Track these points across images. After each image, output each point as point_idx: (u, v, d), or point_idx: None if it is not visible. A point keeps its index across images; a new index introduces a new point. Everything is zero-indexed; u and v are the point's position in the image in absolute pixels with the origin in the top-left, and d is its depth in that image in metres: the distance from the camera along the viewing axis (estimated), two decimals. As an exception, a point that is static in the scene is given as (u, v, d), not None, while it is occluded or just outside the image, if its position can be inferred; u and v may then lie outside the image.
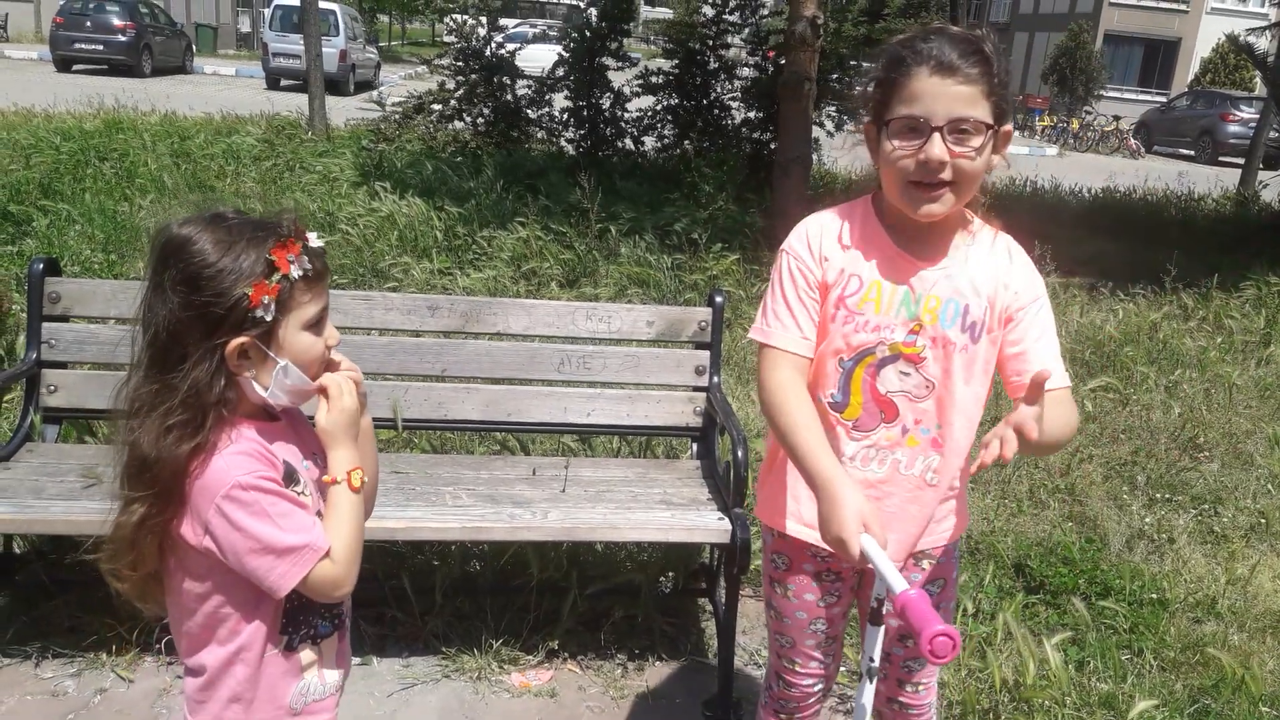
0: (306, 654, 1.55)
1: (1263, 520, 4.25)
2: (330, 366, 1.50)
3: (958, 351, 1.75)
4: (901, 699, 2.05)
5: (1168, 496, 4.39)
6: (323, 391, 1.48)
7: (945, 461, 1.81)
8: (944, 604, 1.98)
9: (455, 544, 3.23)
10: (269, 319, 1.39)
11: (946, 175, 1.63)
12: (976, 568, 3.55)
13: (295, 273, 1.40)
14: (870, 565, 1.56)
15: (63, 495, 2.62)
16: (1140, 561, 3.76)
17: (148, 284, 1.41)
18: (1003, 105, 1.65)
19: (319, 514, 1.49)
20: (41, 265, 3.00)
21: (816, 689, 2.08)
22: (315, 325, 1.46)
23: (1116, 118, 26.03)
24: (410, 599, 3.03)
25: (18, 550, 3.02)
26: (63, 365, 3.03)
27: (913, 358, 1.75)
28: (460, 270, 6.28)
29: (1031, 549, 3.68)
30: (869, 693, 1.60)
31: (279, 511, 1.40)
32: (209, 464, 1.39)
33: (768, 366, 1.80)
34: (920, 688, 2.04)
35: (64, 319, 3.04)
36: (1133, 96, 32.43)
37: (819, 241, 1.80)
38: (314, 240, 1.46)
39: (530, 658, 2.96)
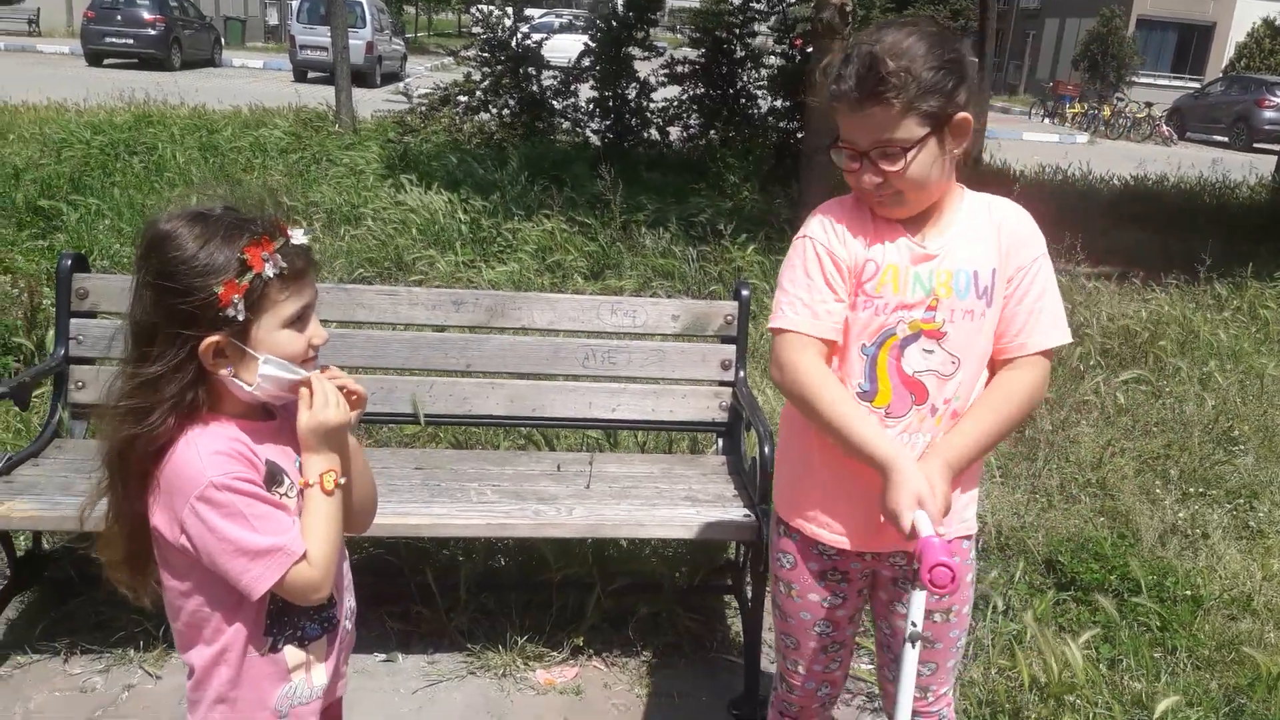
0: (294, 656, 1.53)
1: (1300, 515, 4.17)
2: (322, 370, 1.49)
3: (977, 319, 1.76)
4: (914, 705, 2.01)
5: (1201, 491, 4.31)
6: (307, 386, 1.46)
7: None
8: (955, 606, 1.92)
9: (480, 540, 3.22)
10: (240, 318, 1.37)
11: (886, 190, 1.71)
12: (1007, 564, 3.51)
13: (269, 271, 1.38)
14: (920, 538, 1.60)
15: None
16: (1173, 557, 3.69)
17: (134, 277, 1.41)
18: (932, 108, 1.66)
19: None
20: (70, 261, 3.01)
21: (821, 693, 2.06)
22: (296, 323, 1.44)
23: (1149, 104, 25.61)
24: (435, 595, 3.03)
25: (47, 546, 3.04)
26: (90, 361, 3.05)
27: (933, 333, 1.75)
28: (485, 263, 6.28)
29: (1062, 545, 3.62)
30: (912, 658, 1.64)
31: (255, 513, 1.38)
32: (177, 458, 1.38)
33: (793, 352, 1.77)
34: (929, 694, 1.99)
35: (91, 315, 3.06)
36: (1165, 82, 31.89)
37: (839, 226, 1.81)
38: (298, 236, 1.44)
39: (555, 654, 2.95)
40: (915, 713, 1.97)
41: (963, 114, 1.70)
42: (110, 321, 3.09)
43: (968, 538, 1.92)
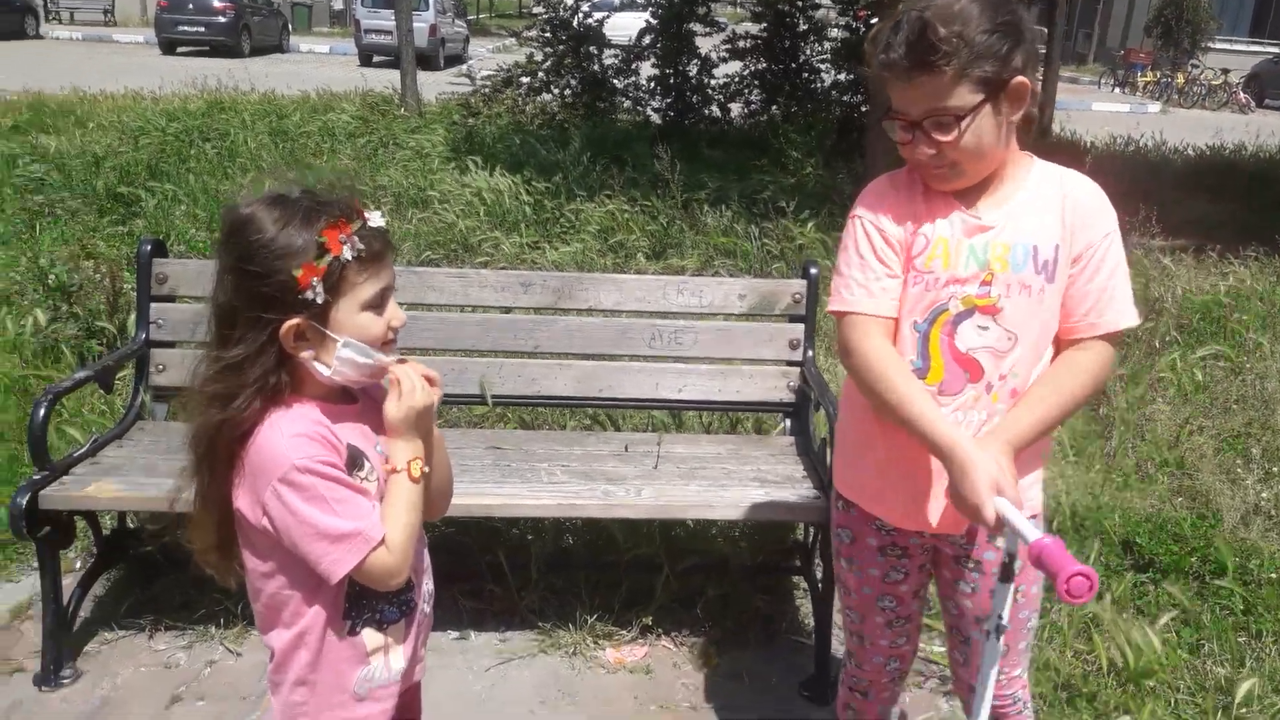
0: (373, 639, 1.54)
1: (1391, 495, 4.02)
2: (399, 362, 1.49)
3: (1035, 294, 1.70)
4: None
5: (1286, 470, 4.18)
6: (388, 372, 1.47)
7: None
8: (1022, 586, 1.86)
9: (549, 520, 3.25)
10: (319, 301, 1.38)
11: (940, 162, 1.67)
12: (1082, 545, 3.44)
13: (348, 254, 1.38)
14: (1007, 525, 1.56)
15: (173, 473, 2.69)
16: (1257, 539, 3.59)
17: (216, 262, 1.43)
18: (987, 73, 1.60)
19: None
20: (149, 246, 3.09)
21: (890, 668, 2.04)
22: (375, 306, 1.44)
23: (1225, 71, 24.71)
24: (506, 574, 3.06)
25: (131, 525, 3.14)
26: (170, 345, 3.13)
27: (988, 309, 1.71)
28: (549, 244, 6.30)
29: (1140, 525, 3.54)
30: (995, 650, 1.62)
31: (335, 497, 1.39)
32: (261, 440, 1.39)
33: (858, 335, 1.75)
34: (1002, 676, 1.94)
35: (171, 299, 3.13)
36: (1243, 48, 30.71)
37: (887, 202, 1.79)
38: (375, 219, 1.44)
39: (624, 633, 2.97)
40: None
41: (1020, 78, 1.64)
42: (189, 306, 3.16)
43: (1033, 517, 1.87)
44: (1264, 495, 3.94)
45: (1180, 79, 24.66)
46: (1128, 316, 1.73)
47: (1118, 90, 26.19)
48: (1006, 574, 1.59)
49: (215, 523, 1.47)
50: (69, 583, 2.83)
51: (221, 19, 22.57)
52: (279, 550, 1.43)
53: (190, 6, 22.39)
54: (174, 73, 14.56)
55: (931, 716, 2.75)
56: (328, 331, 1.41)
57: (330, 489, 1.39)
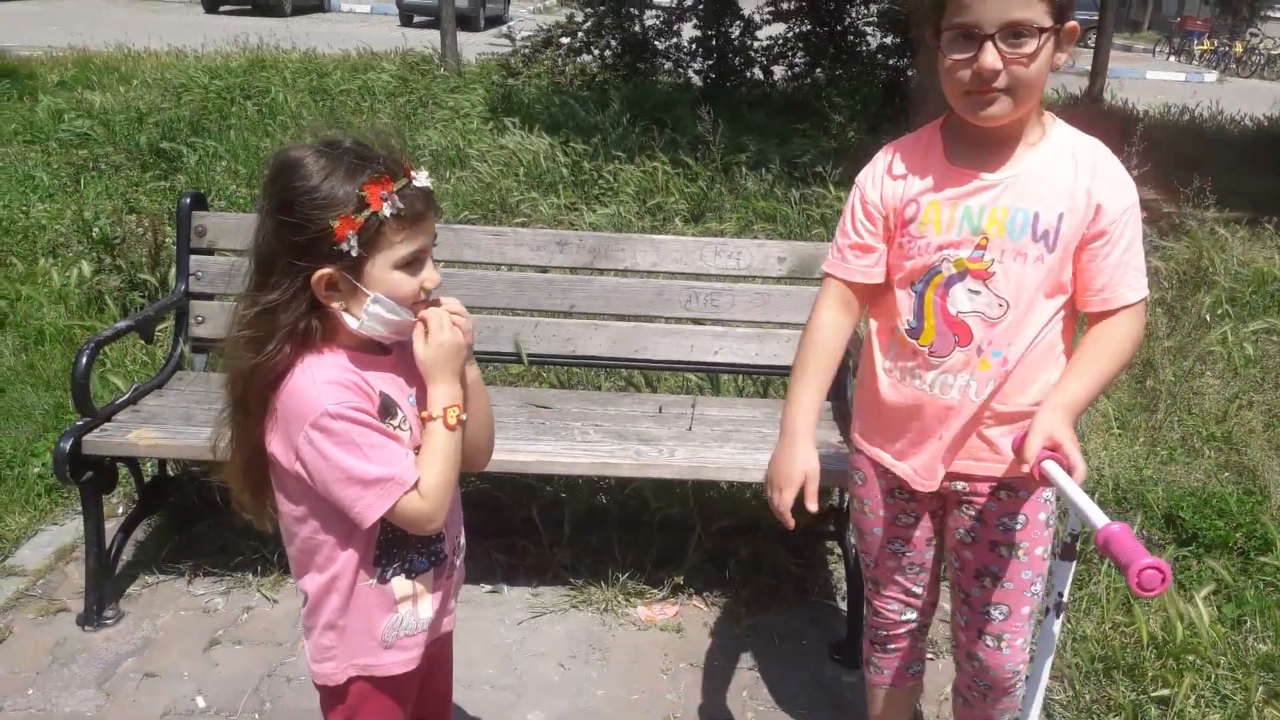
0: (402, 587, 1.54)
1: None
2: (431, 304, 1.47)
3: (1031, 263, 1.67)
4: (980, 654, 1.92)
5: (1338, 447, 4.08)
6: (423, 324, 1.45)
7: (1011, 380, 1.73)
8: (1024, 544, 1.84)
9: (583, 478, 3.25)
10: (354, 254, 1.37)
11: (1002, 83, 1.58)
12: (1124, 517, 3.38)
13: (386, 211, 1.36)
14: (1054, 487, 1.57)
15: (211, 422, 2.72)
16: (1305, 516, 3.52)
17: (259, 204, 1.43)
18: (1063, 9, 1.57)
19: (419, 449, 1.48)
20: (189, 199, 3.10)
21: (906, 618, 2.02)
22: (410, 265, 1.42)
23: (1287, 39, 24.09)
24: (539, 530, 3.07)
25: (171, 473, 3.18)
26: (209, 297, 3.15)
27: (980, 274, 1.69)
28: (586, 205, 6.27)
29: (1184, 500, 3.47)
30: (1056, 625, 1.58)
31: (369, 443, 1.39)
32: (293, 386, 1.39)
33: (820, 297, 1.88)
34: (1003, 643, 1.90)
35: (210, 252, 3.15)
36: (1307, 15, 29.88)
37: (883, 170, 1.80)
38: (420, 179, 1.42)
39: (656, 592, 2.97)
40: (985, 666, 1.93)
41: (1073, 23, 1.61)
42: (228, 258, 3.18)
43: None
44: (1313, 472, 3.86)
45: (1238, 47, 24.05)
46: (1138, 290, 1.70)
47: (1173, 59, 25.57)
48: (1068, 553, 1.55)
49: (249, 467, 1.47)
50: (111, 527, 2.88)
51: (265, -23, 22.64)
52: (312, 495, 1.44)
53: (234, -35, 22.49)
54: (217, 31, 14.60)
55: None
56: (359, 285, 1.40)
57: (363, 434, 1.39)
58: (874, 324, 1.87)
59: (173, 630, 2.74)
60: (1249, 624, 2.91)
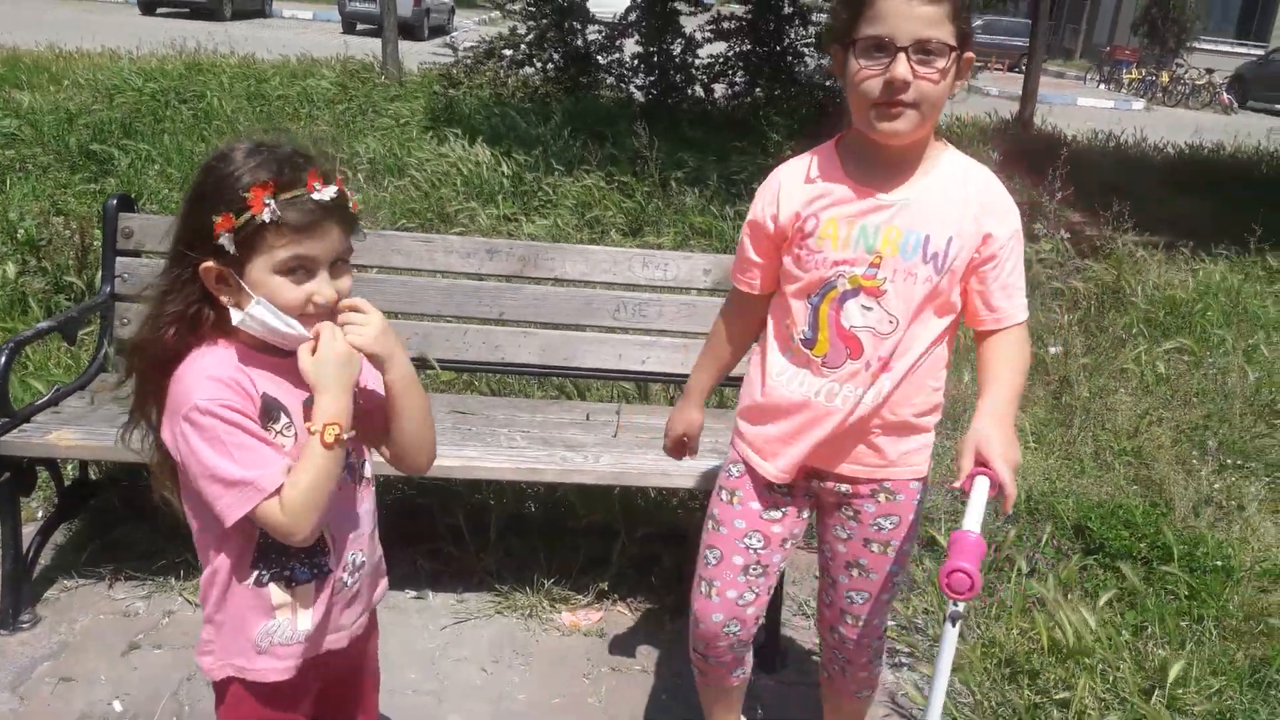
0: (278, 595, 1.53)
1: (1340, 489, 4.12)
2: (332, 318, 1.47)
3: (920, 282, 1.75)
4: (840, 629, 2.06)
5: (1239, 463, 4.26)
6: (314, 333, 1.45)
7: (898, 391, 1.82)
8: (895, 541, 1.95)
9: (510, 485, 3.28)
10: (230, 251, 1.39)
11: (910, 96, 1.64)
12: (1035, 528, 3.50)
13: (265, 216, 1.37)
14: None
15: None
16: (1206, 528, 3.66)
17: None
18: (966, 30, 1.66)
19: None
20: (115, 201, 3.08)
21: (730, 630, 2.00)
22: (293, 273, 1.42)
23: (1209, 70, 24.87)
24: (465, 536, 3.09)
25: (93, 476, 3.15)
26: (135, 299, 3.12)
27: (873, 291, 1.76)
28: (525, 217, 6.30)
29: (1092, 511, 3.60)
30: (951, 637, 1.60)
31: (235, 442, 1.39)
32: (178, 374, 1.42)
33: (725, 303, 2.11)
34: (861, 622, 2.03)
35: (136, 254, 3.13)
36: (1229, 48, 30.88)
37: (776, 190, 1.86)
38: (323, 194, 1.41)
39: (581, 598, 3.01)
40: (845, 639, 2.06)
41: (970, 54, 1.70)
42: (155, 261, 3.16)
43: (919, 479, 1.95)
44: (1216, 486, 4.02)
45: (1165, 77, 24.80)
46: (1024, 309, 1.83)
47: (1103, 86, 26.32)
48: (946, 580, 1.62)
49: (165, 455, 1.48)
50: (29, 531, 2.85)
51: (204, -19, 22.35)
52: (190, 486, 1.45)
53: (172, -33, 22.17)
54: (153, 33, 14.36)
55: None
56: (243, 284, 1.41)
57: (229, 433, 1.39)
58: (771, 326, 1.94)
59: (91, 634, 2.71)
60: (1149, 630, 3.03)
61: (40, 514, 3.14)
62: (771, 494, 1.97)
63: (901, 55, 1.61)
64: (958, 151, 1.83)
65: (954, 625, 1.62)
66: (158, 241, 3.10)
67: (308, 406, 1.47)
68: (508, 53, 11.05)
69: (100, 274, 3.25)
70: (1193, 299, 6.06)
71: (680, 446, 2.25)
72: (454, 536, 3.11)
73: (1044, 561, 3.29)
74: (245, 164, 1.40)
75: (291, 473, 1.42)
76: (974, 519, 1.57)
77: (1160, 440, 4.33)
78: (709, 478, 2.74)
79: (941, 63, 1.63)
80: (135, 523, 3.08)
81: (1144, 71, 25.70)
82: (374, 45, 12.47)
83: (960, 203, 1.76)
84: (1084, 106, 21.18)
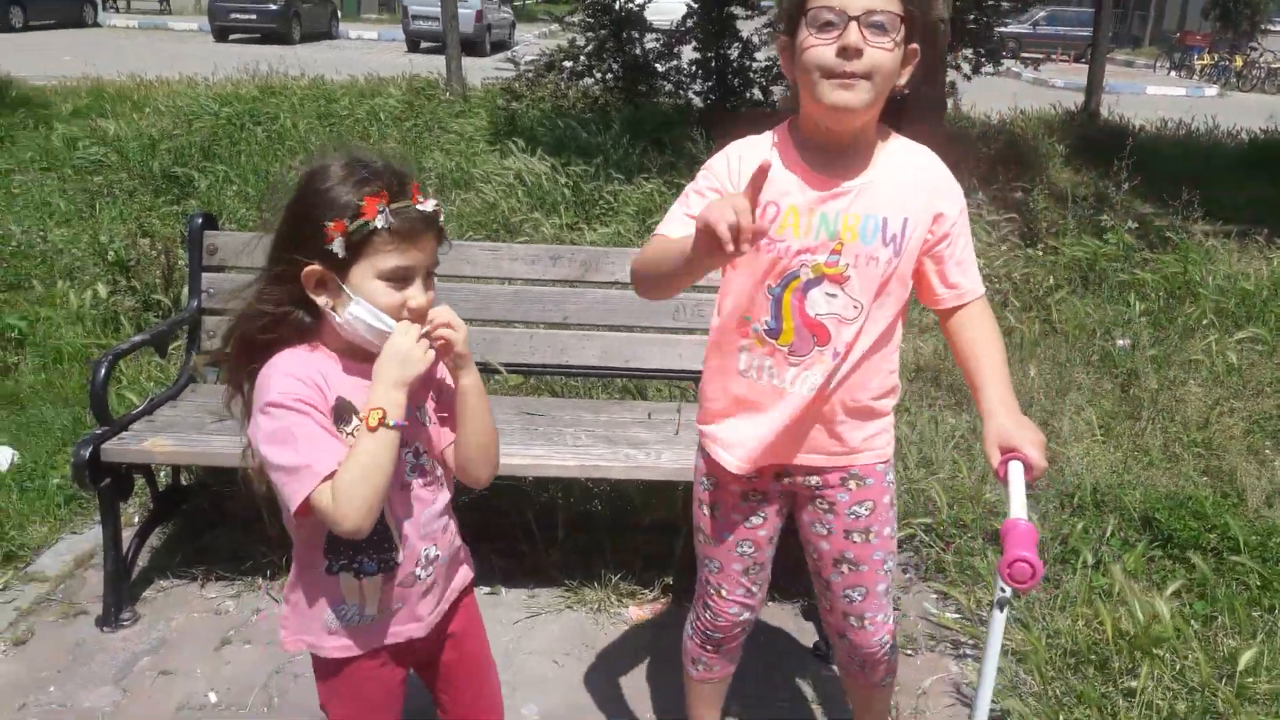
0: (347, 583, 1.62)
1: None
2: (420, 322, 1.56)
3: (881, 265, 1.78)
4: (847, 634, 2.06)
5: (1315, 452, 4.19)
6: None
7: (858, 375, 1.85)
8: (873, 527, 1.97)
9: (576, 484, 3.38)
10: (340, 255, 1.48)
11: (862, 67, 1.64)
12: (1101, 519, 3.49)
13: (378, 223, 1.47)
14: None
15: (223, 431, 2.88)
16: (1279, 519, 3.62)
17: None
18: (914, 14, 1.68)
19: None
20: (200, 220, 3.26)
21: (743, 618, 2.11)
22: (394, 280, 1.51)
23: (1286, 53, 24.20)
24: (535, 534, 3.20)
25: (184, 482, 3.32)
26: (221, 312, 3.28)
27: (836, 278, 1.78)
28: (587, 225, 6.42)
29: (1160, 502, 3.58)
30: (999, 623, 1.64)
31: (300, 433, 1.47)
32: (265, 370, 1.52)
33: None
34: (865, 621, 2.03)
35: (220, 269, 3.30)
36: (1307, 30, 29.98)
37: (739, 164, 1.81)
38: (426, 205, 1.53)
39: (647, 593, 3.10)
40: (854, 644, 2.06)
41: (915, 45, 1.72)
42: (240, 276, 3.32)
43: (884, 462, 1.97)
44: (1291, 475, 3.96)
45: (1238, 62, 24.13)
46: (980, 284, 1.88)
47: (1174, 74, 25.68)
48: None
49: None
50: (127, 535, 3.02)
51: (273, 6, 23.08)
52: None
53: (242, -6, 22.89)
54: (227, 59, 14.86)
55: (942, 678, 2.84)
56: (344, 287, 1.50)
57: (299, 424, 1.47)
58: (724, 323, 1.92)
59: (186, 631, 2.88)
60: (1219, 620, 3.01)
61: (136, 519, 3.32)
62: (747, 502, 2.00)
63: (854, 24, 1.62)
64: (901, 137, 1.85)
65: (1002, 611, 1.65)
66: (240, 257, 3.27)
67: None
68: (568, 64, 11.20)
69: (187, 289, 3.43)
70: (1266, 288, 5.93)
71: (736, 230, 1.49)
72: (525, 534, 3.22)
73: (1110, 553, 3.29)
74: (350, 176, 1.51)
75: (343, 461, 1.48)
76: (1019, 506, 1.61)
77: (1231, 431, 4.28)
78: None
79: (894, 35, 1.65)
80: (224, 527, 3.25)
81: (1216, 57, 25.04)
82: (438, 62, 12.73)
83: (911, 185, 1.79)
84: (1154, 95, 20.71)
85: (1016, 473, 1.68)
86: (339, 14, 27.87)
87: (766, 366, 1.86)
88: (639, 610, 3.04)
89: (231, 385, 1.60)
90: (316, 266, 1.50)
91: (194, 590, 3.06)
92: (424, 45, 22.06)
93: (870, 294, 1.79)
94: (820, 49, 1.65)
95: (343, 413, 1.53)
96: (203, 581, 3.09)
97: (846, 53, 1.63)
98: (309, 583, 1.64)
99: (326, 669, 1.70)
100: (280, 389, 1.49)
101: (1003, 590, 1.64)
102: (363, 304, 1.51)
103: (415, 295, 1.54)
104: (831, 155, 1.77)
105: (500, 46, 22.72)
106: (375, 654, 1.70)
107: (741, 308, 1.85)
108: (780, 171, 1.77)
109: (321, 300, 1.53)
